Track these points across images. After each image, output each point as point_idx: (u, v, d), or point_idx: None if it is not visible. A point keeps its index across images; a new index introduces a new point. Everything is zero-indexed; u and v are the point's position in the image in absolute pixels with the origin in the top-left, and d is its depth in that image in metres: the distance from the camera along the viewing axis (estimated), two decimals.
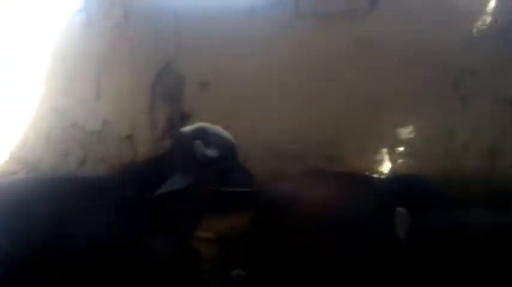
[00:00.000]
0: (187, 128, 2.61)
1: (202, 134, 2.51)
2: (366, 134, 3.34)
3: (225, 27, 3.58)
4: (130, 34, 3.93)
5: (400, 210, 1.91)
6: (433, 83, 3.06)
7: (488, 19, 2.91)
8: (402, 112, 3.17)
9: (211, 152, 2.44)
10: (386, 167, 3.36)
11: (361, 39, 3.19)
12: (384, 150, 3.36)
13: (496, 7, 2.93)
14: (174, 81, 3.85)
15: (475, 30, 2.94)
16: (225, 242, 3.07)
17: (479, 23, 2.92)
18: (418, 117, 3.16)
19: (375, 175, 3.28)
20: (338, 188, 2.64)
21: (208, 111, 3.68)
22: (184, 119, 3.82)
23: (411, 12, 3.10)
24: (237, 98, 3.59)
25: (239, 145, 3.78)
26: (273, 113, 3.49)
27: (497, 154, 2.98)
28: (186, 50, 3.72)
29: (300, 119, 3.45)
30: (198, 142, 2.41)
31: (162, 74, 3.84)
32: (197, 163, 2.40)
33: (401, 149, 3.28)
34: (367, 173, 3.31)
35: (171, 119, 3.86)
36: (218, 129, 2.61)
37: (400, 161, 3.30)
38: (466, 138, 3.04)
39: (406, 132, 3.25)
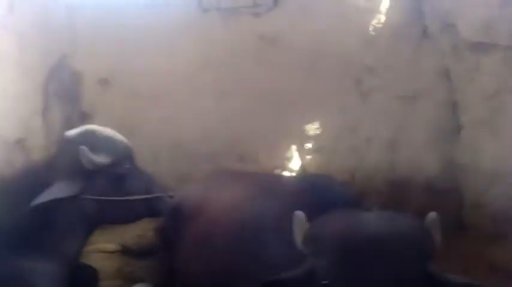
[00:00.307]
0: (72, 132, 2.29)
1: (89, 139, 2.21)
2: (275, 132, 3.33)
3: (125, 20, 3.32)
4: (16, 26, 3.49)
5: (298, 213, 1.84)
6: (336, 80, 3.14)
7: (383, 18, 3.04)
8: (308, 109, 3.21)
9: (100, 158, 2.18)
10: (296, 164, 3.40)
11: (266, 36, 3.16)
12: (293, 147, 3.40)
13: (390, 6, 3.08)
14: (70, 79, 3.51)
15: (371, 28, 3.05)
16: (129, 254, 2.87)
17: (374, 21, 3.03)
18: (323, 114, 3.22)
19: (285, 173, 3.30)
20: (247, 190, 2.57)
21: (110, 111, 3.42)
22: (84, 120, 3.52)
23: (313, 10, 3.12)
24: (140, 97, 3.36)
25: (146, 147, 3.59)
26: (179, 112, 3.33)
27: (396, 147, 3.15)
28: (82, 45, 3.39)
29: (208, 117, 3.33)
30: (83, 148, 2.13)
31: (56, 71, 3.48)
32: (84, 170, 2.14)
33: (309, 145, 3.33)
34: (277, 171, 3.32)
35: (69, 120, 3.52)
36: (109, 132, 2.33)
37: (308, 157, 3.36)
38: (368, 133, 3.16)
39: (313, 129, 3.30)
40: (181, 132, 3.36)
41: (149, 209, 2.40)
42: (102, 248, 2.90)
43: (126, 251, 2.94)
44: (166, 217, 2.68)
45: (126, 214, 2.31)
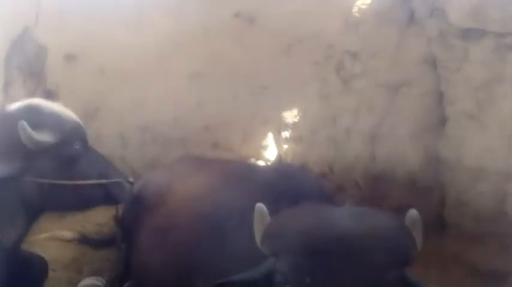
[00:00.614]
0: (13, 105, 2.04)
1: (32, 114, 1.97)
2: (250, 118, 3.12)
3: None
4: None
5: (259, 206, 1.56)
6: (316, 64, 2.93)
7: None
8: (286, 95, 3.01)
9: (44, 136, 1.94)
10: (271, 153, 3.21)
11: (243, 14, 2.92)
12: (269, 135, 3.21)
13: None
14: (34, 53, 3.29)
15: (354, 10, 2.84)
16: (88, 243, 2.66)
17: (358, 3, 2.82)
18: (302, 100, 3.01)
19: (259, 162, 3.11)
20: (212, 178, 2.37)
21: (75, 89, 3.19)
22: (48, 98, 3.28)
23: None
24: (107, 75, 3.12)
25: (112, 129, 3.38)
26: (149, 92, 3.10)
27: (377, 139, 2.97)
28: (47, 17, 3.14)
29: (180, 100, 3.12)
30: (22, 123, 1.86)
31: (19, 45, 3.24)
32: (25, 149, 1.89)
33: (286, 134, 3.14)
34: (251, 160, 3.13)
35: (32, 97, 3.29)
36: (57, 108, 2.09)
37: (285, 146, 3.17)
38: (348, 123, 2.98)
39: (290, 116, 3.10)
40: (151, 115, 3.13)
41: (105, 195, 2.18)
42: (58, 236, 2.69)
43: (84, 240, 2.73)
44: (126, 205, 2.50)
45: (76, 200, 2.08)
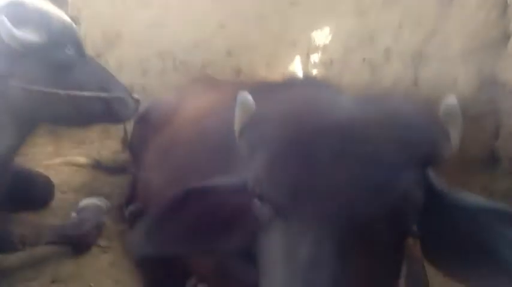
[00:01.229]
0: None
1: (15, 10, 1.76)
2: (277, 40, 2.83)
3: None
4: None
5: (243, 95, 1.26)
6: None
7: None
8: (316, 12, 2.66)
9: (28, 35, 1.74)
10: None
11: None
12: (297, 58, 2.90)
13: None
14: None
15: None
16: (101, 169, 2.59)
17: None
18: (334, 17, 2.65)
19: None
20: (224, 97, 2.16)
21: (96, 14, 3.07)
22: None
23: None
24: None
25: (132, 54, 3.23)
26: (169, 15, 2.90)
27: (422, 59, 2.55)
28: None
29: (201, 22, 2.88)
30: (2, 19, 1.68)
31: None
32: (8, 48, 1.71)
33: (316, 56, 2.81)
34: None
35: None
36: (45, 5, 1.87)
37: (314, 71, 2.85)
38: (388, 42, 2.58)
39: (321, 36, 2.75)
40: (172, 39, 2.95)
41: (106, 111, 1.99)
42: (72, 161, 2.66)
43: (98, 166, 2.68)
44: (133, 126, 2.39)
45: (73, 113, 1.90)
